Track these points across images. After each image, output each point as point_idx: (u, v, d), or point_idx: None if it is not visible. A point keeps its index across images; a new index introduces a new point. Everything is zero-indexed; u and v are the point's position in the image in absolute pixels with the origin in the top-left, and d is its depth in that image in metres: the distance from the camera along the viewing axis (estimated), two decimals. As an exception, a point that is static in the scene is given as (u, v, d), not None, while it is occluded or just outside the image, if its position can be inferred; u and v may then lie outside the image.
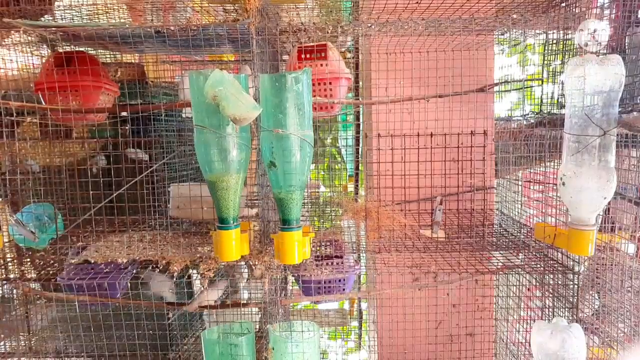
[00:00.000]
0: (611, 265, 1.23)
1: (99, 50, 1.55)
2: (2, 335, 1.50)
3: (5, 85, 1.57)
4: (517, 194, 1.57)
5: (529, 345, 1.15)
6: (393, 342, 1.59)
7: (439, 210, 1.29)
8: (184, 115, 1.78)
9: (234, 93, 0.87)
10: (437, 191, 1.46)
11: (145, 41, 1.20)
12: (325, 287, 1.32)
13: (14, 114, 1.33)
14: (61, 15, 1.32)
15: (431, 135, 1.43)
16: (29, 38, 1.31)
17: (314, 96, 1.22)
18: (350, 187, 1.99)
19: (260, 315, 1.31)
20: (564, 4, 1.22)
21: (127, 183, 1.24)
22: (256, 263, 1.13)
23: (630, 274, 1.21)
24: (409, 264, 1.30)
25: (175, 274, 1.19)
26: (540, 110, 1.46)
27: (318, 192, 1.79)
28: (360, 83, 1.72)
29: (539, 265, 1.25)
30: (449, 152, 1.42)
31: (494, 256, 1.30)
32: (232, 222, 0.99)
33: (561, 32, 1.34)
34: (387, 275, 1.52)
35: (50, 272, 1.37)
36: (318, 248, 1.36)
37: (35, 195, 1.41)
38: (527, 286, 1.49)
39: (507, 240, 1.34)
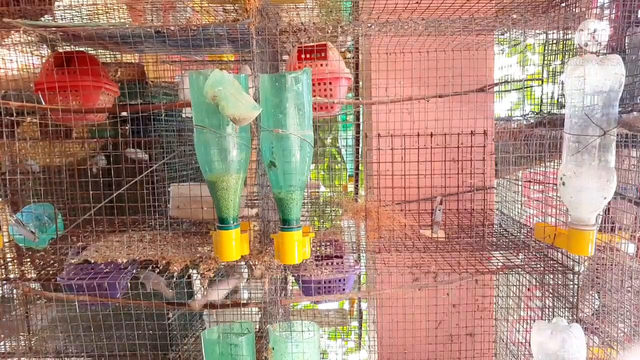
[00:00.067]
0: (611, 265, 1.23)
1: (99, 50, 1.55)
2: (2, 335, 1.50)
3: (5, 85, 1.57)
4: (517, 194, 1.57)
5: (529, 345, 1.15)
6: (393, 342, 1.59)
7: (439, 210, 1.29)
8: (184, 115, 1.78)
9: (233, 93, 0.87)
10: (437, 191, 1.46)
11: (145, 41, 1.20)
12: (325, 287, 1.32)
13: (14, 114, 1.33)
14: (61, 15, 1.32)
15: (431, 135, 1.43)
16: (29, 38, 1.31)
17: (314, 96, 1.22)
18: (350, 187, 1.99)
19: (260, 315, 1.31)
20: (564, 4, 1.22)
21: (127, 183, 1.25)
22: (256, 263, 1.13)
23: (630, 274, 1.21)
24: (409, 264, 1.30)
25: (175, 273, 1.19)
26: (540, 110, 1.46)
27: (318, 192, 1.79)
28: (360, 83, 1.72)
29: (539, 265, 1.25)
30: (449, 152, 1.42)
31: (494, 256, 1.30)
32: (232, 222, 0.99)
33: (561, 32, 1.34)
34: (387, 275, 1.52)
35: (50, 272, 1.37)
36: (318, 248, 1.36)
37: (35, 195, 1.41)
38: (527, 286, 1.49)
39: (507, 240, 1.34)
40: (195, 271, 1.73)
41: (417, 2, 1.17)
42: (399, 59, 1.45)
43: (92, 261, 1.17)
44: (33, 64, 1.37)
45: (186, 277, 1.70)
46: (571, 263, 1.26)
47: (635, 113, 1.11)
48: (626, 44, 1.25)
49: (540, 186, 1.46)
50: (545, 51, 1.42)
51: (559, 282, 1.29)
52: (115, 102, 1.40)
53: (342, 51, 1.87)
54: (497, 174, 1.63)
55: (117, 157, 1.55)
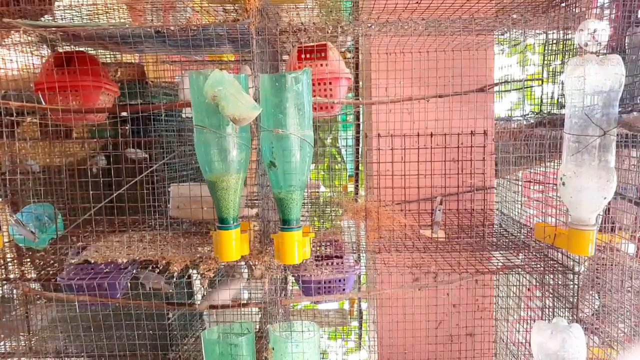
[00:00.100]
0: (611, 265, 1.23)
1: (99, 50, 1.55)
2: (2, 335, 1.50)
3: (5, 85, 1.57)
4: (517, 194, 1.57)
5: (529, 345, 1.15)
6: (393, 342, 1.59)
7: (439, 210, 1.29)
8: (184, 115, 1.78)
9: (233, 93, 0.87)
10: (437, 191, 1.46)
11: (145, 41, 1.20)
12: (325, 287, 1.32)
13: (14, 114, 1.33)
14: (61, 15, 1.32)
15: (431, 135, 1.43)
16: (29, 38, 1.31)
17: (314, 96, 1.22)
18: (350, 187, 1.99)
19: (260, 315, 1.31)
20: (564, 4, 1.22)
21: (127, 183, 1.24)
22: (256, 263, 1.13)
23: (630, 274, 1.21)
24: (409, 264, 1.30)
25: (175, 273, 1.19)
26: (540, 110, 1.46)
27: (318, 192, 1.79)
28: (360, 83, 1.72)
29: (539, 265, 1.25)
30: (449, 152, 1.42)
31: (494, 256, 1.30)
32: (232, 222, 0.99)
33: (561, 32, 1.34)
34: (387, 275, 1.52)
35: (50, 272, 1.37)
36: (318, 248, 1.36)
37: (35, 195, 1.41)
38: (527, 286, 1.49)
39: (507, 240, 1.34)
40: (195, 271, 1.74)
41: (417, 2, 1.17)
42: (399, 59, 1.45)
43: (92, 261, 1.17)
44: (33, 64, 1.37)
45: (186, 277, 1.70)
46: (571, 263, 1.26)
47: (635, 113, 1.11)
48: (626, 44, 1.25)
49: (540, 186, 1.46)
50: (545, 51, 1.42)
51: (559, 282, 1.29)
52: (115, 102, 1.40)
53: (342, 51, 1.87)
54: (497, 174, 1.63)
55: (117, 157, 1.55)
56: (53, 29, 1.13)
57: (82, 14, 1.34)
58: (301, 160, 0.94)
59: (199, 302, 1.61)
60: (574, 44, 1.30)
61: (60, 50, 1.33)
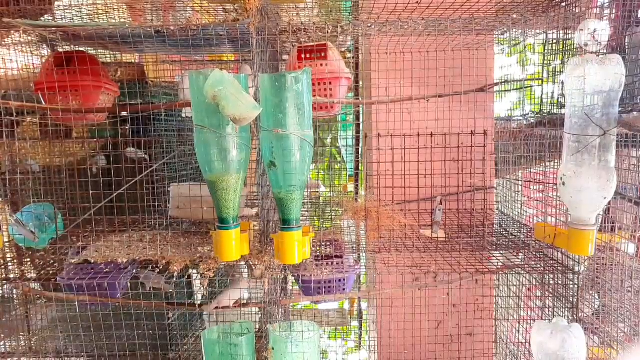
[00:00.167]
0: (611, 265, 1.23)
1: (99, 50, 1.55)
2: (2, 335, 1.50)
3: (5, 85, 1.57)
4: (517, 194, 1.57)
5: (529, 345, 1.15)
6: (393, 342, 1.59)
7: (439, 210, 1.29)
8: (184, 115, 1.78)
9: (233, 93, 0.87)
10: (437, 191, 1.46)
11: (145, 41, 1.20)
12: (325, 287, 1.32)
13: (14, 114, 1.33)
14: (61, 15, 1.32)
15: (431, 135, 1.43)
16: (29, 38, 1.31)
17: (314, 96, 1.22)
18: (350, 187, 1.99)
19: (260, 315, 1.32)
20: (564, 4, 1.22)
21: (127, 183, 1.24)
22: (256, 263, 1.13)
23: (630, 274, 1.21)
24: (409, 264, 1.30)
25: (175, 273, 1.19)
26: (540, 110, 1.46)
27: (318, 192, 1.79)
28: (360, 83, 1.72)
29: (539, 265, 1.25)
30: (449, 152, 1.42)
31: (494, 256, 1.30)
32: (232, 222, 0.99)
33: (561, 32, 1.34)
34: (387, 275, 1.52)
35: (50, 272, 1.37)
36: (318, 248, 1.36)
37: (35, 195, 1.41)
38: (527, 286, 1.49)
39: (507, 240, 1.34)
40: (195, 271, 1.73)
41: (417, 2, 1.17)
42: (399, 59, 1.45)
43: (92, 261, 1.17)
44: (33, 64, 1.37)
45: (186, 277, 1.70)
46: (571, 263, 1.26)
47: (635, 113, 1.11)
48: (626, 44, 1.25)
49: (540, 186, 1.46)
50: (545, 51, 1.42)
51: (559, 282, 1.29)
52: (115, 102, 1.40)
53: (342, 51, 1.87)
54: (497, 174, 1.63)
55: (117, 157, 1.55)
56: (53, 28, 1.13)
57: (82, 14, 1.34)
58: (301, 160, 0.94)
59: (201, 302, 1.60)
60: (574, 44, 1.30)
61: (60, 50, 1.33)
